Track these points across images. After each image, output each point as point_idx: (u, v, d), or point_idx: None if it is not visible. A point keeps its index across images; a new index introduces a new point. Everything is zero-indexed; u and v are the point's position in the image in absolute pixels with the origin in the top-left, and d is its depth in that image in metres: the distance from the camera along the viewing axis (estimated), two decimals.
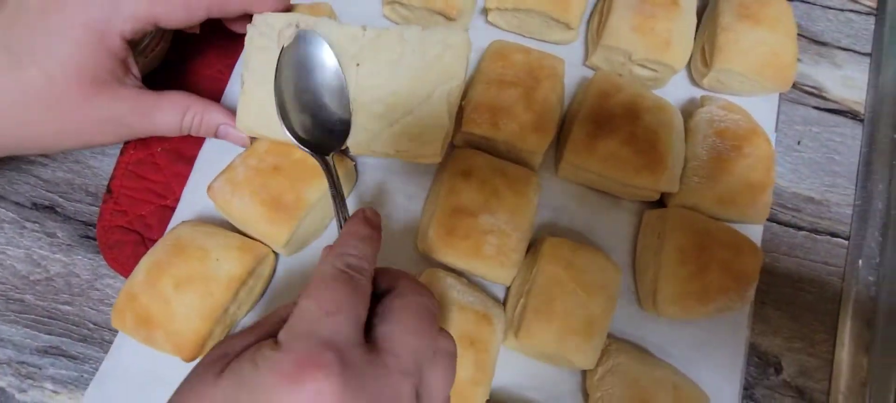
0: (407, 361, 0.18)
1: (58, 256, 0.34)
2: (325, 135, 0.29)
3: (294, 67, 0.29)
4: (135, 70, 0.27)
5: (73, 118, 0.24)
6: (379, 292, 0.21)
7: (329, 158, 0.28)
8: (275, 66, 0.29)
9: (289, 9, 0.33)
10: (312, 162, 0.29)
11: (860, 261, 0.36)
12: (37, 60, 0.23)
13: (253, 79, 0.29)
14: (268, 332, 0.18)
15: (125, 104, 0.26)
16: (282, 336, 0.17)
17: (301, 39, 0.29)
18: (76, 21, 0.23)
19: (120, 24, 0.24)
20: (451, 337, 0.21)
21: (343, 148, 0.30)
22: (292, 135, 0.28)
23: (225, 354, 0.17)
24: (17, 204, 0.35)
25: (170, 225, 0.33)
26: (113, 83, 0.25)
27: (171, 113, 0.28)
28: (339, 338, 0.17)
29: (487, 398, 0.29)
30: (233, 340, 0.18)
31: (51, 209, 0.35)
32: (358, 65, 0.30)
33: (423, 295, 0.20)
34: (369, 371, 0.17)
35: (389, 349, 0.18)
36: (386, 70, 0.30)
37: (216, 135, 0.31)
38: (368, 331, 0.19)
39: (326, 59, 0.29)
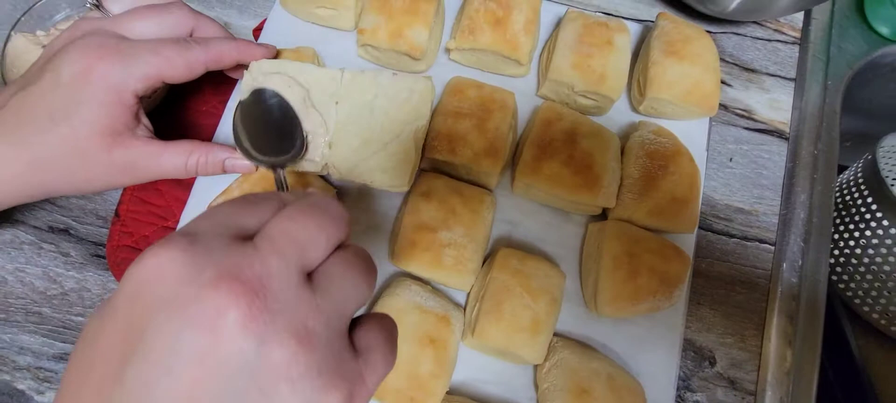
0: (282, 244, 0.17)
1: (71, 273, 0.38)
2: (276, 154, 0.32)
3: (250, 113, 0.33)
4: (145, 120, 0.32)
5: (98, 166, 0.29)
6: None
7: (280, 171, 0.31)
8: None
9: (277, 55, 0.38)
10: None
11: (784, 265, 0.40)
12: (69, 121, 0.28)
13: None
14: None
15: (137, 151, 0.30)
16: None
17: (258, 92, 0.33)
18: (99, 87, 0.28)
19: (133, 83, 0.29)
20: (363, 249, 0.20)
21: (324, 175, 0.35)
22: (247, 154, 0.32)
23: None
24: (35, 227, 0.39)
25: None
26: (127, 134, 0.30)
27: (176, 157, 0.32)
28: (198, 228, 0.17)
29: (447, 389, 0.33)
30: None
31: (65, 231, 0.39)
32: (337, 102, 0.35)
33: (321, 198, 0.19)
34: (228, 249, 0.16)
35: (263, 234, 0.17)
36: (362, 108, 0.35)
37: (224, 170, 0.34)
38: None
39: (278, 101, 0.33)
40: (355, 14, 0.41)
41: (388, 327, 0.20)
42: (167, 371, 0.14)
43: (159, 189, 0.39)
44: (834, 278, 0.50)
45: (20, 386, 0.36)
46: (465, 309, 0.37)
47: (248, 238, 0.17)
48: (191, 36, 0.33)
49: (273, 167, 0.31)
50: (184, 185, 0.39)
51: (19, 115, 0.28)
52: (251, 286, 0.15)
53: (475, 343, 0.34)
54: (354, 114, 0.35)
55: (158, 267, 0.15)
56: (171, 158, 0.32)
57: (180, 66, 0.30)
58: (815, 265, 0.41)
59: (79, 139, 0.28)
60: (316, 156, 0.34)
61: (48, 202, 0.40)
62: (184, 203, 0.39)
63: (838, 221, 0.49)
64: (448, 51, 0.42)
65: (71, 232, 0.39)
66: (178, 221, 0.39)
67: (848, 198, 0.50)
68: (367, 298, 0.19)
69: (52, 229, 0.39)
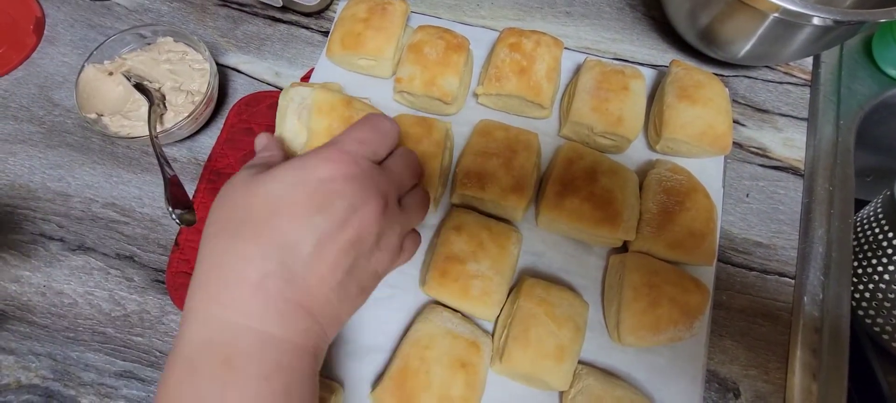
0: (396, 172, 0.30)
1: (134, 297, 0.42)
2: None
3: None
4: None
5: None
6: None
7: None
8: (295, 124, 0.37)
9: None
10: None
11: (805, 298, 0.41)
12: None
13: (289, 135, 0.37)
14: None
15: None
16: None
17: None
18: None
19: None
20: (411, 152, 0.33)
21: None
22: None
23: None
24: (104, 254, 0.44)
25: None
26: None
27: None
28: (354, 150, 0.28)
29: None
30: None
31: (130, 258, 0.44)
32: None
33: (408, 149, 0.33)
34: (371, 169, 0.28)
35: (386, 165, 0.30)
36: None
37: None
38: None
39: None
40: (393, 64, 0.46)
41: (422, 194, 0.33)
42: None
43: None
44: (860, 313, 0.50)
45: (83, 402, 0.40)
46: (492, 337, 0.39)
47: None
48: None
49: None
50: None
51: None
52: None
53: (503, 368, 0.36)
54: None
55: (334, 167, 0.27)
56: None
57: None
58: (836, 299, 0.41)
59: None
60: None
61: (116, 232, 0.44)
62: None
63: (862, 256, 0.50)
64: (476, 95, 0.46)
65: (135, 259, 0.44)
66: None
67: (869, 233, 0.51)
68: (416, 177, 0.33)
69: (118, 256, 0.44)
